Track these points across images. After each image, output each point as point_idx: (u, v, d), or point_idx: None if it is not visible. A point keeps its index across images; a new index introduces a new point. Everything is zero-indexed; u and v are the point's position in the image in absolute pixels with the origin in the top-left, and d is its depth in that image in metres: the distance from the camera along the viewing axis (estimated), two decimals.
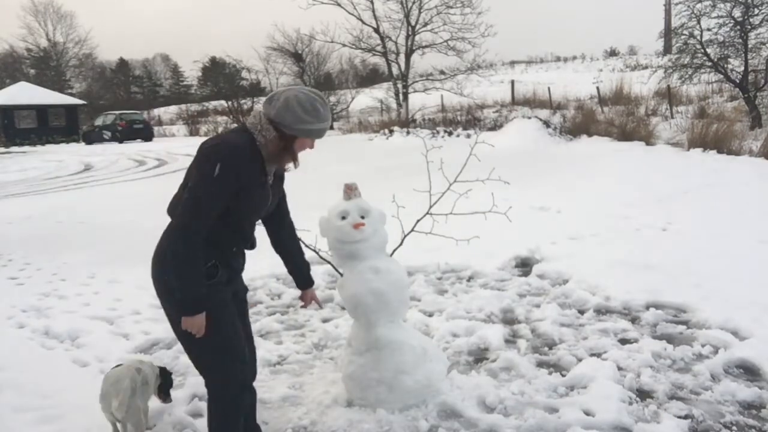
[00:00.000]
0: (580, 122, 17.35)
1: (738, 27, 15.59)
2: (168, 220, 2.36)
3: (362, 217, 3.06)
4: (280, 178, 2.56)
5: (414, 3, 26.32)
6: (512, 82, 27.09)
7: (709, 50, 16.09)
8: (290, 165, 2.46)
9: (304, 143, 2.39)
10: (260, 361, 3.55)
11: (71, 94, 45.85)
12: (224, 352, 2.37)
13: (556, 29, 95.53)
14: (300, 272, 2.83)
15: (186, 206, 2.20)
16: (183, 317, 2.24)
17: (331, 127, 29.41)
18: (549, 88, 23.45)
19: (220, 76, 37.46)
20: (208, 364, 2.40)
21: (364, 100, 32.04)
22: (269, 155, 2.33)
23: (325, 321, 4.52)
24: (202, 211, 2.19)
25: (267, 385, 3.43)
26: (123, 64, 60.92)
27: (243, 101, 33.86)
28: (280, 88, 2.40)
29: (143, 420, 2.86)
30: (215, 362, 2.38)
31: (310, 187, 11.07)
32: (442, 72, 30.03)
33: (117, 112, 34.41)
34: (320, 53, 31.69)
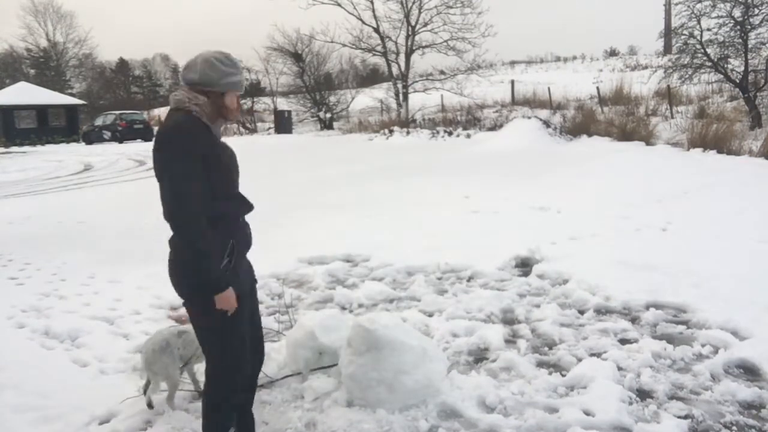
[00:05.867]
0: (580, 122, 17.36)
1: (738, 27, 15.58)
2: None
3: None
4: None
5: (414, 3, 26.38)
6: (512, 82, 27.10)
7: (709, 50, 16.08)
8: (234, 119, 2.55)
9: (233, 99, 2.44)
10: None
11: (71, 94, 45.83)
12: (228, 363, 2.50)
13: (556, 29, 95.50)
14: None
15: (169, 197, 2.27)
16: (216, 298, 2.33)
17: (331, 127, 29.44)
18: (549, 88, 23.46)
19: None
20: (215, 365, 2.52)
21: (364, 100, 32.02)
22: (210, 118, 2.40)
23: None
24: (186, 193, 2.25)
25: (267, 385, 3.42)
26: (123, 64, 60.86)
27: (243, 101, 33.85)
28: (189, 59, 2.46)
29: (175, 379, 3.13)
30: (221, 366, 2.50)
31: (310, 186, 11.08)
32: (442, 72, 30.05)
33: (117, 112, 34.42)
34: (320, 53, 31.65)
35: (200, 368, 3.44)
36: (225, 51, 2.44)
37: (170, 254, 2.43)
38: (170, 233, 2.38)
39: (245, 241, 2.59)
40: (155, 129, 34.19)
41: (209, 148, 2.34)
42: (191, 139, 2.29)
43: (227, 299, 2.35)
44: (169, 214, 2.28)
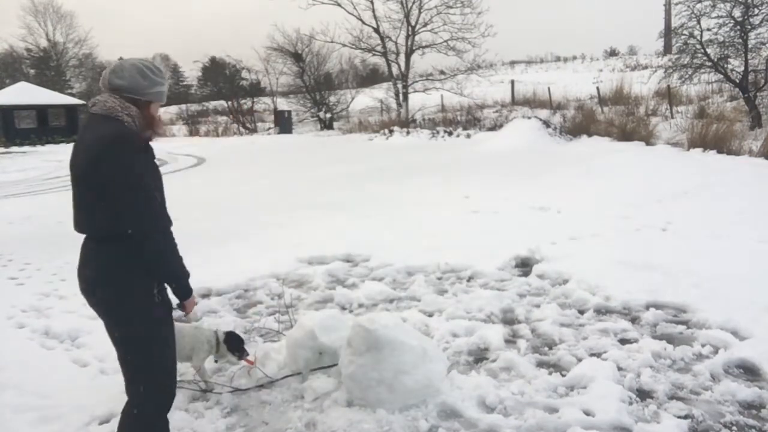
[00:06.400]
0: (580, 122, 17.37)
1: (738, 27, 15.58)
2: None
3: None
4: None
5: (414, 3, 26.41)
6: (512, 82, 27.12)
7: (709, 50, 16.08)
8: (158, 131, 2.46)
9: (156, 109, 2.41)
10: (261, 361, 3.56)
11: (71, 94, 45.80)
12: (169, 370, 2.44)
13: (556, 29, 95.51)
14: None
15: (143, 209, 2.18)
16: (187, 302, 2.41)
17: (331, 127, 29.46)
18: (549, 88, 23.47)
19: (220, 76, 37.46)
20: (152, 377, 2.38)
21: (364, 100, 32.05)
22: (140, 129, 2.31)
23: None
24: (154, 204, 2.22)
25: (267, 385, 3.43)
26: None
27: (243, 101, 33.88)
28: (112, 64, 2.37)
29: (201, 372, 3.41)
30: (160, 377, 2.40)
31: (310, 186, 11.08)
32: (442, 72, 30.10)
33: None
34: (320, 53, 31.71)
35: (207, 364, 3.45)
36: (152, 60, 2.41)
37: (116, 271, 2.25)
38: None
39: None
40: None
41: (150, 160, 2.30)
42: (143, 155, 2.23)
43: (194, 301, 2.40)
44: (145, 226, 2.19)
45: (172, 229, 2.37)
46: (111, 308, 2.32)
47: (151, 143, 2.37)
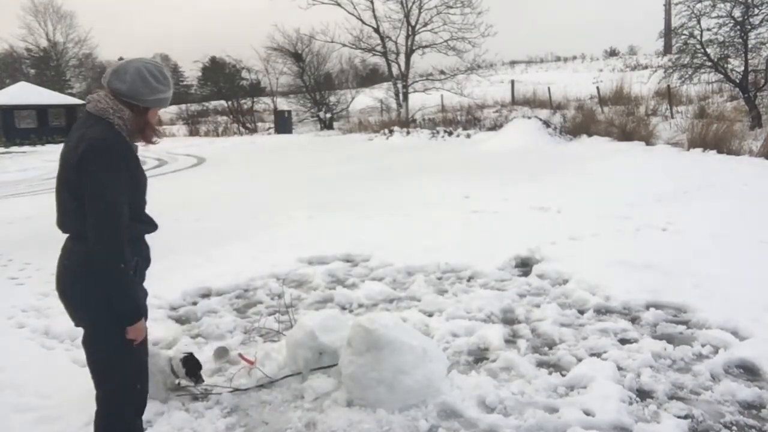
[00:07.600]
0: (580, 122, 17.38)
1: (738, 27, 15.59)
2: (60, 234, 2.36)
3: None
4: None
5: (414, 3, 26.44)
6: (512, 82, 27.15)
7: (709, 50, 16.10)
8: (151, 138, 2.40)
9: (155, 114, 2.37)
10: (261, 361, 3.56)
11: (71, 94, 45.80)
12: (134, 374, 2.38)
13: (556, 29, 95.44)
14: None
15: (102, 217, 2.13)
16: (130, 329, 2.24)
17: (331, 127, 29.46)
18: (549, 88, 23.49)
19: (220, 76, 37.44)
20: (116, 381, 2.35)
21: (364, 100, 32.07)
22: (130, 134, 2.28)
23: None
24: (118, 213, 2.15)
25: (267, 385, 3.42)
26: None
27: (243, 101, 33.88)
28: (119, 62, 2.31)
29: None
30: (124, 381, 2.36)
31: (310, 186, 11.08)
32: (442, 72, 30.11)
33: None
34: (320, 53, 31.73)
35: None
36: (159, 63, 2.35)
37: (81, 272, 2.29)
38: (61, 243, 2.31)
39: (147, 259, 2.48)
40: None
41: (134, 167, 2.25)
42: (122, 155, 2.18)
43: (140, 330, 2.27)
44: (101, 235, 2.14)
45: (162, 233, 2.31)
46: (75, 308, 2.34)
47: (139, 148, 2.33)
